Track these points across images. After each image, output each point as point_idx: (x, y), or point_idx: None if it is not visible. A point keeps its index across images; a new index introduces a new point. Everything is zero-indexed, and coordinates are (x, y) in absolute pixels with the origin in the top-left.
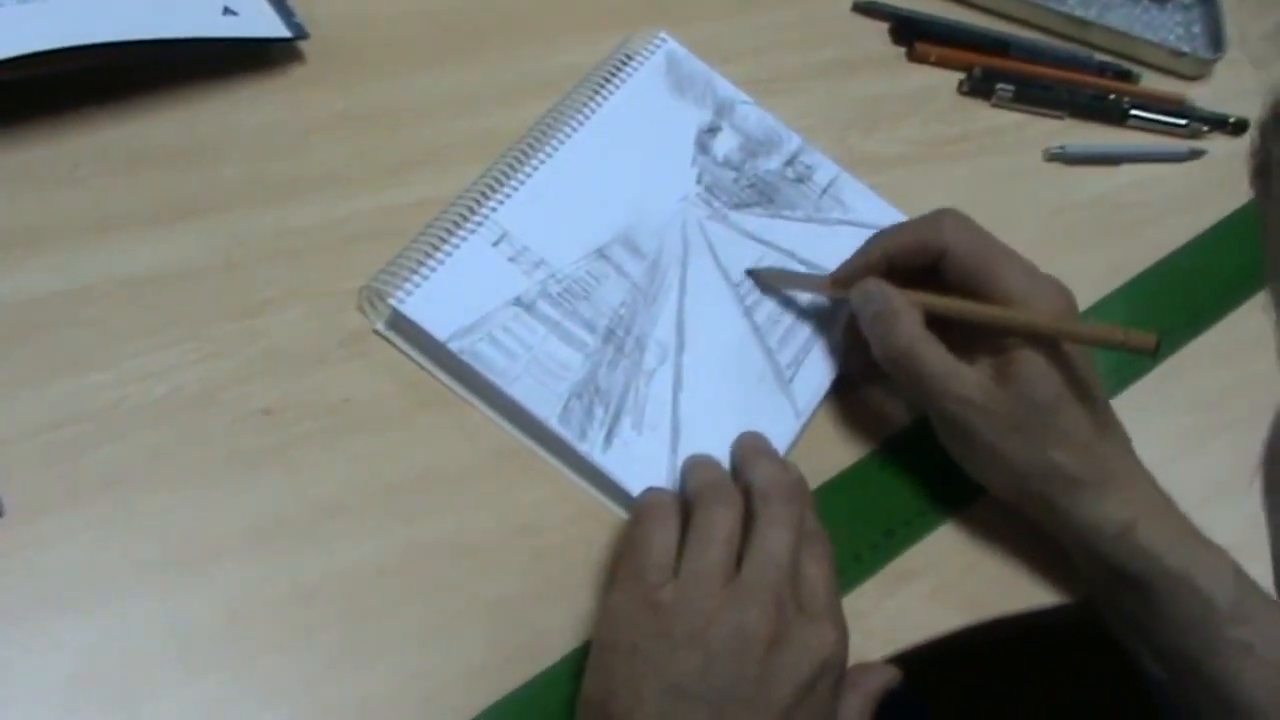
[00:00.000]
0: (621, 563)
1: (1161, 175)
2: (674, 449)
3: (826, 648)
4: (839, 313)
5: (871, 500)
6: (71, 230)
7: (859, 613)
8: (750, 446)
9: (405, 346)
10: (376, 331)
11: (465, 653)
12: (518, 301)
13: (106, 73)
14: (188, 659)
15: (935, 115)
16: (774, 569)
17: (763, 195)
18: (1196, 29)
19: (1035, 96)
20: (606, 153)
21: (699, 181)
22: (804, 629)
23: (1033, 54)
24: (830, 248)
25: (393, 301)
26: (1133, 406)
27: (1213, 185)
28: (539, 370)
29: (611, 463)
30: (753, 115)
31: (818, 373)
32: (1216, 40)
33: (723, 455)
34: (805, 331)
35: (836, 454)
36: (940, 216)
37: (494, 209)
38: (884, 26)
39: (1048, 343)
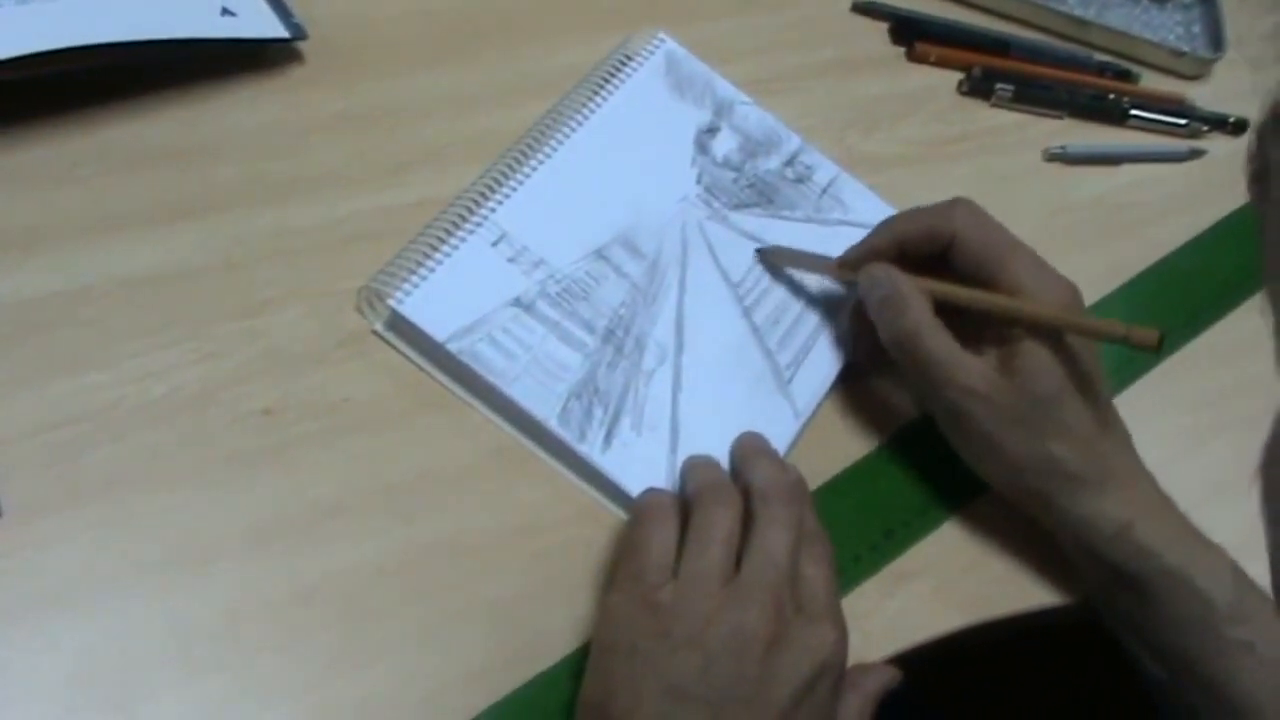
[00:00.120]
0: (621, 563)
1: (1161, 175)
2: (673, 450)
3: (826, 648)
4: (840, 312)
5: (871, 500)
6: (71, 230)
7: (858, 613)
8: (749, 447)
9: (404, 347)
10: (375, 332)
11: (464, 653)
12: (517, 302)
13: (106, 73)
14: (187, 659)
15: (935, 115)
16: (773, 570)
17: (762, 195)
18: (1196, 29)
19: (1035, 96)
20: (606, 153)
21: (698, 182)
22: (803, 630)
23: (1032, 54)
24: (830, 248)
25: (391, 302)
26: (1132, 406)
27: (1212, 185)
28: (538, 371)
29: (611, 463)
30: (752, 115)
31: (817, 373)
32: (1216, 40)
33: (722, 456)
34: (805, 332)
35: (836, 454)
36: (952, 205)
37: (493, 209)
38: (883, 26)
39: (1052, 335)
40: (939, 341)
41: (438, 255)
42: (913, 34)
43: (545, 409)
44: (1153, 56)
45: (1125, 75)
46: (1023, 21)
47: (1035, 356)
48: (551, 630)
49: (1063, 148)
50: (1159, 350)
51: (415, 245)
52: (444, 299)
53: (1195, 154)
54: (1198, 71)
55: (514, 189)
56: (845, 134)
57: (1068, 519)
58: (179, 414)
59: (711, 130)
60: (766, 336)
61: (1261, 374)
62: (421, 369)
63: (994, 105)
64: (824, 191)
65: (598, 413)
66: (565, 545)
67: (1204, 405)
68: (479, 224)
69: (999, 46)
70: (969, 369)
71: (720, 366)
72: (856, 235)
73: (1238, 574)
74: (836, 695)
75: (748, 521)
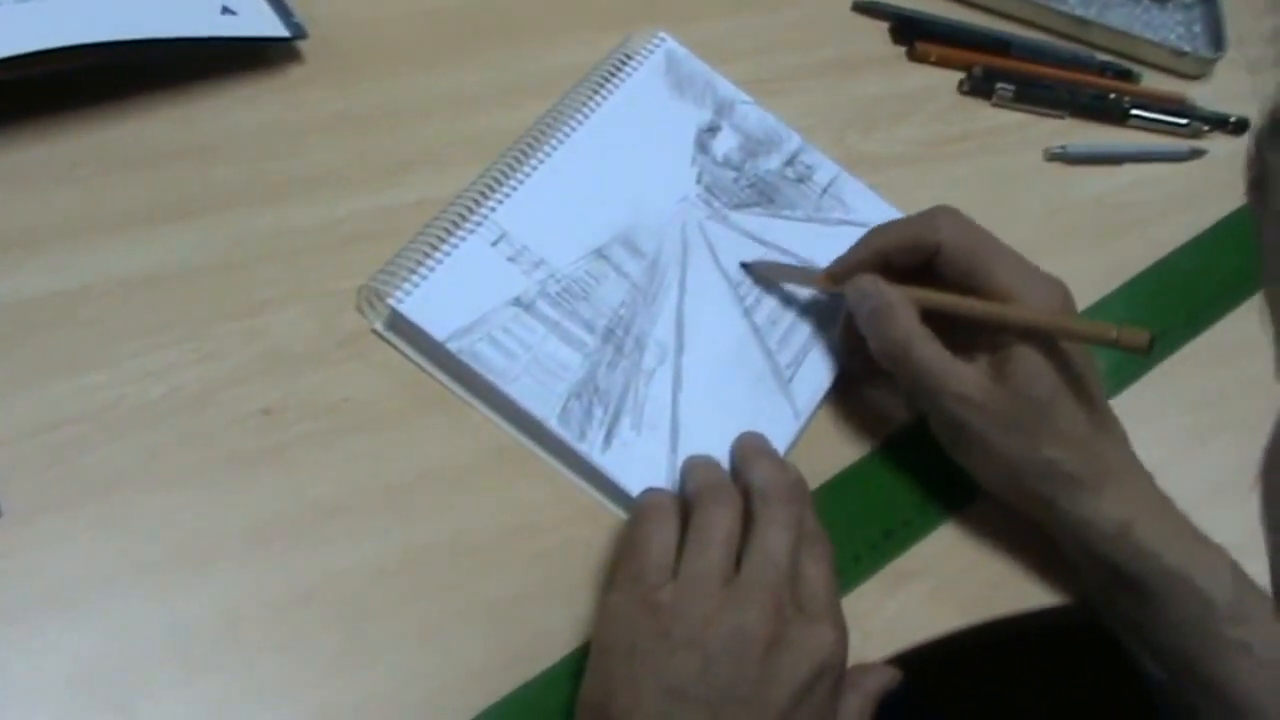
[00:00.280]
0: (620, 563)
1: (1162, 175)
2: (673, 449)
3: (826, 648)
4: (839, 312)
5: (871, 500)
6: (70, 230)
7: (858, 613)
8: (750, 447)
9: (404, 347)
10: (375, 331)
11: (464, 653)
12: (517, 301)
13: (105, 72)
14: (187, 659)
15: (935, 115)
16: (773, 570)
17: (763, 195)
18: (1197, 28)
19: (1036, 96)
20: (606, 152)
21: (699, 181)
22: (803, 630)
23: (1033, 53)
24: (830, 248)
25: (391, 301)
26: (1132, 407)
27: (1213, 185)
28: (538, 370)
29: (611, 463)
30: (752, 115)
31: (817, 373)
32: (1217, 39)
33: (722, 455)
34: (805, 331)
35: (836, 454)
36: (935, 213)
37: (493, 209)
38: (884, 26)
39: (1044, 339)
40: (930, 350)
41: (437, 255)
42: (913, 33)
43: (545, 408)
44: (1154, 56)
45: (1126, 75)
46: (1024, 21)
47: (1027, 361)
48: (551, 630)
49: (1063, 147)
50: (1149, 352)
51: (415, 245)
52: (444, 298)
53: (1196, 154)
54: (1199, 71)
55: (514, 188)
56: (846, 133)
57: (1067, 520)
58: (178, 414)
59: (712, 130)
60: (766, 336)
61: (1262, 374)
62: (421, 369)
63: (995, 105)
64: (824, 191)
65: (598, 412)
66: (565, 545)
67: (1204, 405)
68: (479, 223)
69: (1000, 46)
70: (961, 377)
71: (720, 366)
72: (857, 235)
73: (1237, 574)
74: (836, 695)
75: (748, 521)
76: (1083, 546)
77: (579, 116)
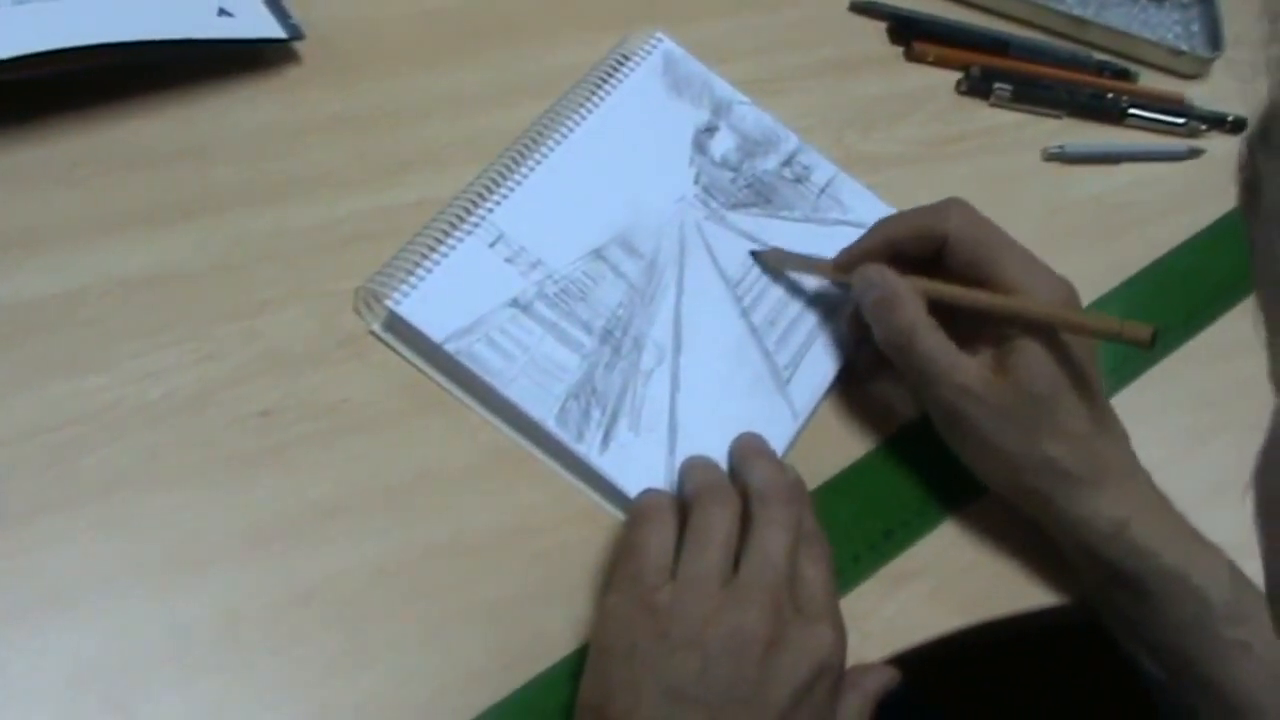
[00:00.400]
0: (619, 565)
1: (1160, 174)
2: (671, 450)
3: (825, 649)
4: (838, 312)
5: (870, 501)
6: (69, 231)
7: (857, 614)
8: (748, 447)
9: (402, 348)
10: (373, 333)
11: (463, 655)
12: (514, 303)
13: (102, 74)
14: (186, 660)
15: (933, 115)
16: (772, 570)
17: (760, 195)
18: (1195, 28)
19: (1033, 96)
20: (603, 153)
21: (696, 182)
22: (802, 630)
23: (1031, 53)
24: (828, 248)
25: (389, 303)
26: (1131, 405)
27: (1211, 184)
28: (536, 371)
29: (609, 464)
30: (750, 115)
31: (816, 373)
32: (1215, 39)
33: (720, 456)
34: (803, 332)
35: (834, 455)
36: (945, 204)
37: (490, 210)
38: (882, 26)
39: (1047, 334)
40: (934, 341)
41: (435, 256)
42: (911, 33)
43: (543, 410)
44: (1151, 55)
45: (1124, 74)
46: (1021, 21)
47: (1030, 355)
48: (550, 631)
49: (1061, 147)
50: (1152, 346)
51: (413, 246)
52: (442, 300)
53: (1194, 153)
54: (1196, 70)
55: (511, 189)
56: (843, 133)
57: (1065, 518)
58: (177, 415)
59: (709, 130)
60: (764, 337)
61: (1260, 374)
62: (419, 370)
63: (992, 105)
64: (822, 191)
65: (595, 413)
66: (563, 546)
67: (1203, 405)
68: (476, 224)
69: (997, 46)
70: (964, 368)
71: (718, 367)
72: (855, 235)
73: (1235, 573)
74: (835, 696)
75: (746, 522)
76: (1080, 545)
77: (577, 117)
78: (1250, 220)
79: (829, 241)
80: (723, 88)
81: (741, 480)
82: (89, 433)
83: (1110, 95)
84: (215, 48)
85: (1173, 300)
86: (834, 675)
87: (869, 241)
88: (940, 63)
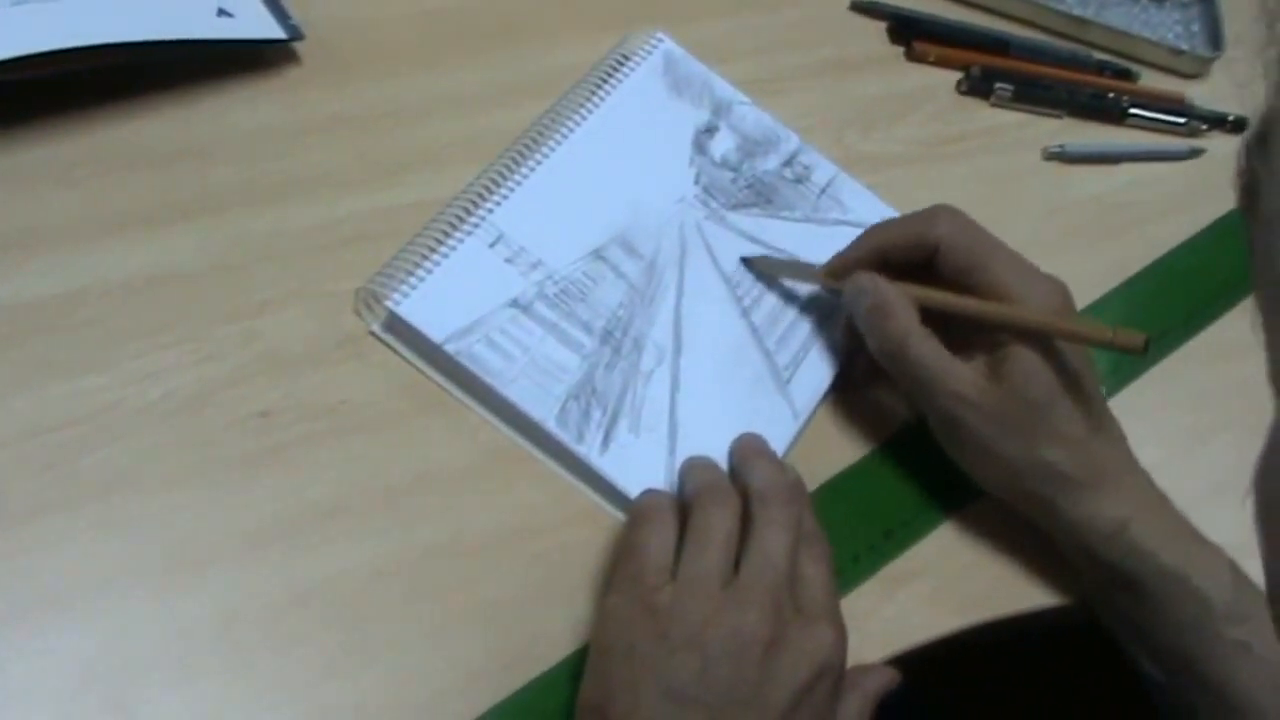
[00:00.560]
0: (619, 565)
1: (1160, 174)
2: (671, 451)
3: (825, 650)
4: (838, 312)
5: (870, 501)
6: (68, 232)
7: (857, 614)
8: (748, 448)
9: (402, 348)
10: (373, 333)
11: (463, 655)
12: (515, 303)
13: (102, 74)
14: (186, 661)
15: (934, 115)
16: (772, 571)
17: (760, 196)
18: (1195, 27)
19: (1034, 96)
20: (603, 153)
21: (697, 182)
22: (802, 631)
23: (1031, 53)
24: (828, 248)
25: (389, 303)
26: (1131, 406)
27: (1212, 184)
28: (536, 372)
29: (609, 465)
30: (750, 115)
31: (816, 374)
32: (1215, 39)
33: (720, 457)
34: (803, 332)
35: (835, 455)
36: (935, 212)
37: (491, 210)
38: (882, 26)
39: (1041, 339)
40: (928, 348)
41: (435, 256)
42: (911, 33)
43: (543, 410)
44: (1152, 55)
45: (1124, 74)
46: (1022, 20)
47: (1024, 361)
48: (550, 632)
49: (1062, 147)
50: (1145, 353)
51: (413, 246)
52: (442, 300)
53: (1194, 153)
54: (1197, 70)
55: (511, 189)
56: (844, 134)
57: (1065, 521)
58: (177, 416)
59: (710, 130)
60: (765, 337)
61: (1261, 374)
62: (419, 370)
63: (993, 105)
64: (822, 191)
65: (596, 414)
66: (564, 547)
67: (1203, 404)
68: (476, 225)
69: (998, 46)
70: (958, 376)
71: (718, 367)
72: (855, 235)
73: (1235, 573)
74: (836, 696)
75: (746, 523)
76: (1081, 546)
77: (577, 117)
78: (1249, 223)
79: (829, 242)
80: (723, 88)
81: (742, 481)
82: (89, 433)
83: (1111, 95)
84: (215, 48)
85: (1173, 300)
86: (834, 676)
87: (859, 249)
88: (941, 63)
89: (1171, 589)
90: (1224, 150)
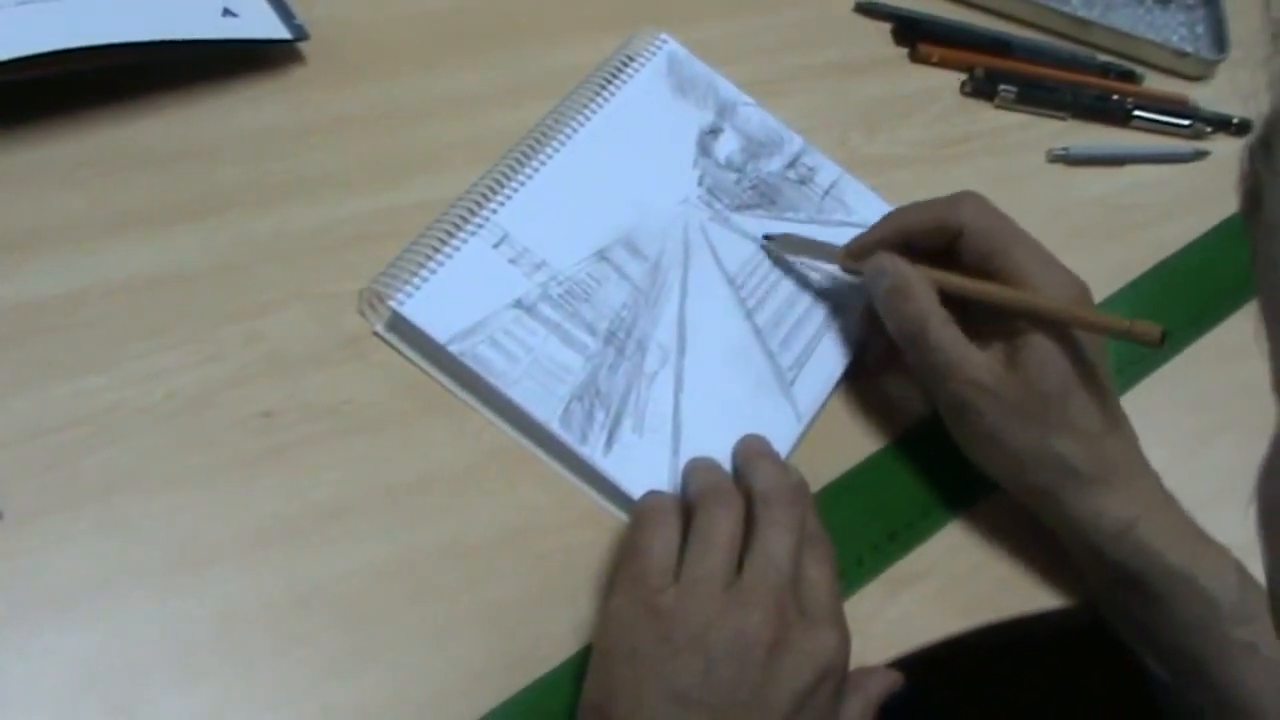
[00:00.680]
0: (622, 567)
1: (1165, 176)
2: (675, 452)
3: (828, 652)
4: (842, 313)
5: (873, 503)
6: (71, 232)
7: (861, 616)
8: (752, 449)
9: (405, 349)
10: (376, 334)
11: (465, 657)
12: (518, 304)
13: (106, 74)
14: (187, 662)
15: (938, 116)
16: (775, 573)
17: (764, 197)
18: (1200, 29)
19: (1038, 97)
20: (608, 154)
21: (700, 183)
22: (805, 633)
23: (1035, 55)
24: None
25: (393, 304)
26: (1137, 406)
27: (1216, 186)
28: (540, 373)
29: (612, 466)
30: (754, 117)
31: (819, 375)
32: (1220, 41)
33: (724, 458)
34: (807, 334)
35: (838, 456)
36: (960, 197)
37: (495, 210)
38: (886, 27)
39: (1058, 329)
40: (946, 333)
41: (439, 257)
42: (915, 35)
43: (547, 411)
44: (1156, 57)
45: (1128, 76)
46: (1026, 22)
47: (1042, 351)
48: (553, 633)
49: (1066, 149)
50: (1162, 345)
51: (417, 246)
52: (445, 300)
53: (1199, 155)
54: (1201, 72)
55: (515, 190)
56: (848, 135)
57: (1072, 516)
58: (179, 416)
59: (714, 131)
60: (768, 338)
61: (1266, 376)
62: (423, 371)
63: (997, 106)
64: (826, 193)
65: (599, 415)
66: (567, 548)
67: (1208, 406)
68: (480, 225)
69: (1002, 47)
70: (975, 362)
71: (722, 368)
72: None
73: (1242, 574)
74: (839, 699)
75: (750, 524)
76: (1087, 544)
77: (581, 118)
78: (1252, 229)
79: (833, 243)
80: (727, 89)
81: (745, 482)
82: (90, 434)
83: (1115, 97)
84: (219, 48)
85: (1178, 302)
86: (837, 678)
87: (881, 230)
88: (945, 64)
89: (1178, 589)
90: (1228, 152)
